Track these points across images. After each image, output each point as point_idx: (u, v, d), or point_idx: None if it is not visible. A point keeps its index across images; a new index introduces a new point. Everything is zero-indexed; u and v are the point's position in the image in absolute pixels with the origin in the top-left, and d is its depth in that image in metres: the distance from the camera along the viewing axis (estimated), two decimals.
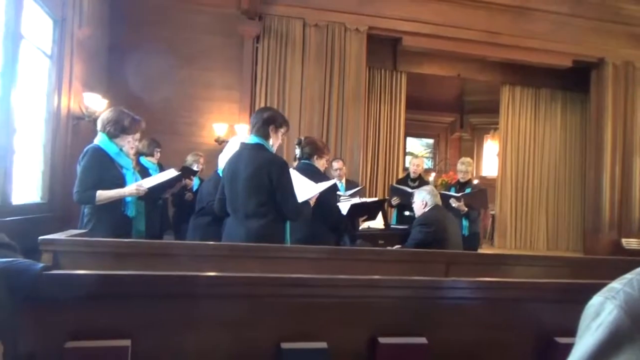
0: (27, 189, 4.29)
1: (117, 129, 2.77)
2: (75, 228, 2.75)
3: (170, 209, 5.01)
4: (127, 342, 1.20)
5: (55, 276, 1.20)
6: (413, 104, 9.08)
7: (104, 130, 2.77)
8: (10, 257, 1.25)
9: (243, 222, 2.69)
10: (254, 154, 2.75)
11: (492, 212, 9.05)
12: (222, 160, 4.02)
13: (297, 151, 3.31)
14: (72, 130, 4.86)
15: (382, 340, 1.35)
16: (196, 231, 3.86)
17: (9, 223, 3.42)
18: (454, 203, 4.65)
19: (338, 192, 3.82)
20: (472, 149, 11.79)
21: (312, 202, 2.85)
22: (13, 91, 3.58)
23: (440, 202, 3.99)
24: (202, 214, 3.89)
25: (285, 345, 1.29)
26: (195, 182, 4.74)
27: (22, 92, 3.83)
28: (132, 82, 5.81)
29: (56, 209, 4.48)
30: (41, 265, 1.20)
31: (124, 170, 2.80)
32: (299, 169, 3.18)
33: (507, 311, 1.53)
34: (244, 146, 2.84)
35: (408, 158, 7.60)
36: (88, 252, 2.06)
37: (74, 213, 3.19)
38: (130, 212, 2.76)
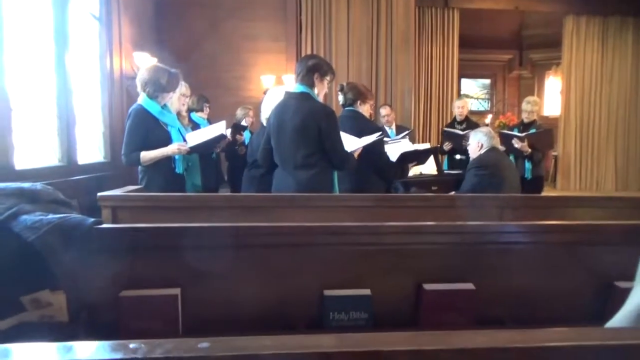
0: (92, 149, 4.53)
1: (156, 89, 2.77)
2: (136, 184, 2.87)
3: (223, 163, 5.13)
4: (176, 291, 1.25)
5: (105, 230, 1.26)
6: (467, 43, 8.57)
7: (144, 90, 2.80)
8: (65, 213, 1.31)
9: (292, 173, 2.70)
10: (300, 103, 2.70)
11: (555, 154, 8.59)
12: (265, 111, 4.02)
13: (340, 98, 3.23)
14: (126, 91, 5.01)
15: (428, 286, 1.33)
16: (251, 183, 3.94)
17: (76, 182, 3.63)
18: (516, 144, 4.41)
19: (386, 139, 3.75)
20: (532, 88, 11.09)
21: (356, 155, 2.81)
22: (67, 54, 3.70)
23: (497, 144, 3.80)
24: (256, 166, 3.96)
25: (328, 292, 1.30)
26: (246, 136, 4.81)
27: (76, 55, 3.96)
28: (179, 40, 5.87)
29: (119, 167, 4.68)
30: (92, 220, 1.26)
31: (169, 128, 2.83)
32: (344, 116, 3.12)
33: (562, 255, 1.45)
34: (290, 95, 2.79)
35: None
36: (143, 206, 2.15)
37: (136, 170, 3.33)
38: (178, 168, 2.80)
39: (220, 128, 3.09)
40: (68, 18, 3.76)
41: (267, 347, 0.53)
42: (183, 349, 0.52)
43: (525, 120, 4.85)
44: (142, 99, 2.79)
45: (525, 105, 4.89)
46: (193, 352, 0.51)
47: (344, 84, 3.26)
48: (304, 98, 2.71)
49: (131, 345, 0.53)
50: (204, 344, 0.52)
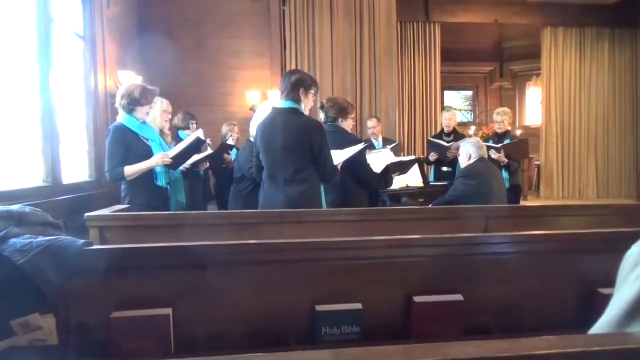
0: (78, 168, 4.49)
1: (130, 102, 2.83)
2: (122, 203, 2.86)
3: (211, 179, 5.12)
4: (168, 311, 1.25)
5: (96, 251, 1.26)
6: (449, 56, 8.74)
7: (120, 105, 2.85)
8: (54, 235, 1.31)
9: (282, 189, 2.69)
10: (289, 119, 2.70)
11: (537, 163, 8.74)
12: (254, 127, 4.05)
13: (322, 115, 3.25)
14: (111, 110, 4.99)
15: (417, 299, 1.35)
16: (237, 199, 3.94)
17: (61, 202, 3.59)
18: (494, 155, 4.52)
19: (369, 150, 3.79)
20: (513, 99, 11.33)
21: (339, 167, 2.85)
22: (51, 74, 3.69)
23: (485, 155, 3.87)
24: (242, 181, 3.98)
25: (320, 308, 1.31)
26: (233, 153, 4.83)
27: (60, 74, 3.94)
28: (164, 57, 5.87)
29: (105, 186, 4.65)
30: (82, 241, 1.25)
31: (149, 142, 2.87)
32: (328, 131, 3.15)
33: (546, 264, 1.49)
34: (277, 111, 2.79)
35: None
36: (131, 226, 2.13)
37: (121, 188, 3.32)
38: (161, 182, 2.83)
39: (196, 134, 3.14)
40: (52, 38, 3.76)
41: None
42: None
43: (498, 131, 4.98)
44: (121, 117, 2.84)
45: (495, 117, 5.03)
46: None
47: (324, 101, 3.26)
48: (293, 113, 2.72)
49: None
50: None
